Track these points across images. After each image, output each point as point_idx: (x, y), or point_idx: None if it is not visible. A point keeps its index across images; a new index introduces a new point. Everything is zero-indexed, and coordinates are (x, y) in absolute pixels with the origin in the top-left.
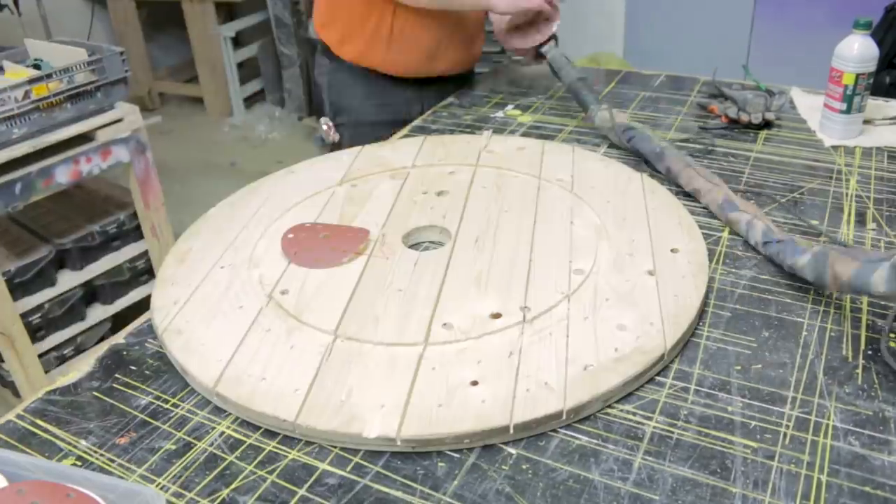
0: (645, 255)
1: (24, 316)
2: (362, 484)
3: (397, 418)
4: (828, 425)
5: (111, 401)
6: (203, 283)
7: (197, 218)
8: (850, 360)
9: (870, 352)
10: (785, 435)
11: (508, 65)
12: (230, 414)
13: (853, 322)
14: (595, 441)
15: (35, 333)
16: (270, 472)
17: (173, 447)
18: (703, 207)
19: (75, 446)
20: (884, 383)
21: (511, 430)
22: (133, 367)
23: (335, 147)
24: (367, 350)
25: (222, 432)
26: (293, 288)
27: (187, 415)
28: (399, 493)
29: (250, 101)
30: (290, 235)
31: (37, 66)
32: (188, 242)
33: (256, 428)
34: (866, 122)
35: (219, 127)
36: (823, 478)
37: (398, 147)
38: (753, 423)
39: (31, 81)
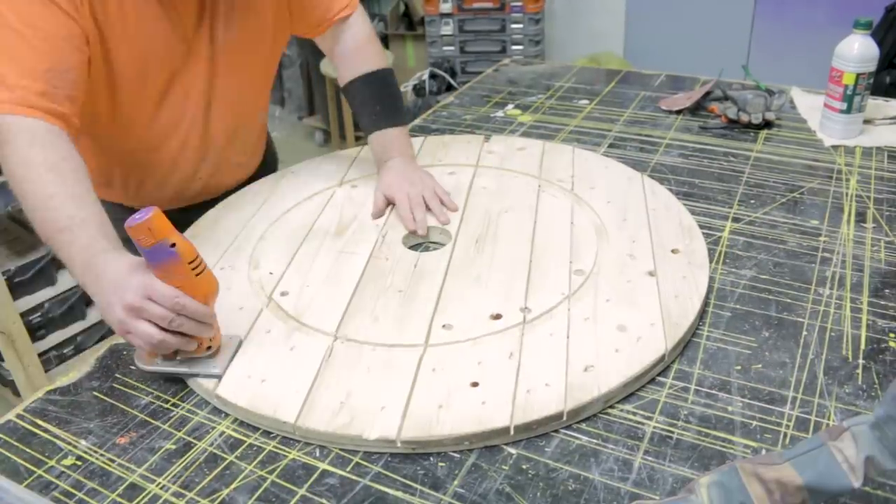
0: (645, 255)
1: (24, 315)
2: (362, 484)
3: (397, 420)
4: (828, 425)
5: (111, 400)
6: None
7: None
8: (850, 360)
9: (870, 352)
10: (785, 435)
11: (509, 64)
12: (230, 414)
13: (853, 322)
14: (595, 441)
15: (35, 332)
16: (270, 472)
17: (173, 447)
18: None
19: (75, 446)
20: (884, 383)
21: (511, 432)
22: (133, 367)
23: None
24: (367, 351)
25: (222, 432)
26: (293, 289)
27: (187, 415)
28: (399, 493)
29: None
30: None
31: None
32: None
33: (256, 428)
34: (866, 121)
35: None
36: None
37: None
38: (754, 423)
39: None
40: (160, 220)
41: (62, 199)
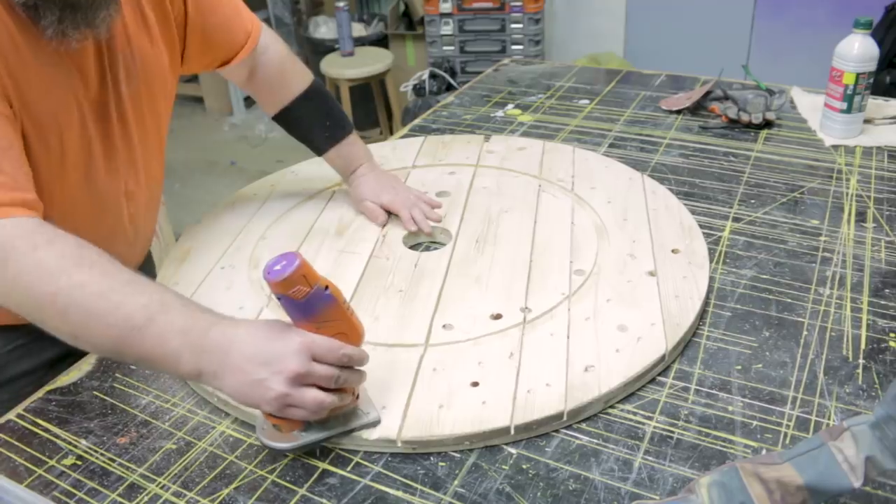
0: (646, 255)
1: None
2: (362, 484)
3: (398, 420)
4: (828, 425)
5: (111, 400)
6: (203, 284)
7: (197, 218)
8: (851, 360)
9: (870, 352)
10: (785, 435)
11: (509, 64)
12: (230, 413)
13: (853, 322)
14: (595, 441)
15: None
16: (270, 472)
17: (174, 447)
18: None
19: (76, 446)
20: (884, 383)
21: (512, 432)
22: (133, 367)
23: None
24: (367, 351)
25: (222, 432)
26: None
27: (187, 414)
28: (399, 493)
29: (250, 100)
30: None
31: None
32: (188, 242)
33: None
34: (866, 121)
35: (219, 126)
36: None
37: (398, 147)
38: (754, 422)
39: None
40: (308, 264)
41: (120, 292)
